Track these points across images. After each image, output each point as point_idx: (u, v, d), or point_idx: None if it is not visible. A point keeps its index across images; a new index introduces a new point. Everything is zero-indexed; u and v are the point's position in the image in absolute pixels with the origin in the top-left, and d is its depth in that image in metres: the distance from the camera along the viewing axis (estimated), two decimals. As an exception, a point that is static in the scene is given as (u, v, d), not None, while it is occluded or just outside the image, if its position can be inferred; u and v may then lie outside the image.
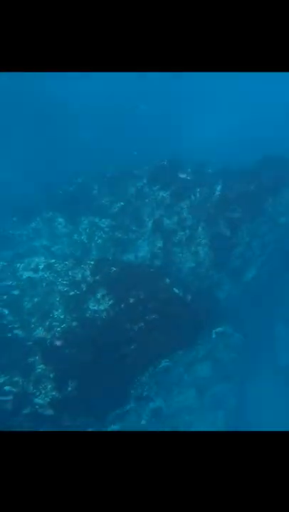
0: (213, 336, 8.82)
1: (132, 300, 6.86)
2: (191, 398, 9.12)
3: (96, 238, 8.64)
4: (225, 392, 9.81)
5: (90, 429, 7.58)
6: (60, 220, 8.69)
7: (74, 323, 7.13)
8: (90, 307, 7.12)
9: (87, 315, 7.03)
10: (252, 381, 11.09)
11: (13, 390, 6.82)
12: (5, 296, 7.18)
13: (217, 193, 9.34)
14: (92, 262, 7.45)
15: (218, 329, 8.78)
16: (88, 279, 7.25)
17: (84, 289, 7.18)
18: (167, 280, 7.51)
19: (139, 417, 8.21)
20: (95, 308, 7.12)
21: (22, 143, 10.88)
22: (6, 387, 6.91)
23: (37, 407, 6.82)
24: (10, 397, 6.88)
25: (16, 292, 7.27)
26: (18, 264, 7.40)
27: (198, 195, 9.10)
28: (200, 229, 8.90)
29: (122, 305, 6.83)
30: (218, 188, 9.38)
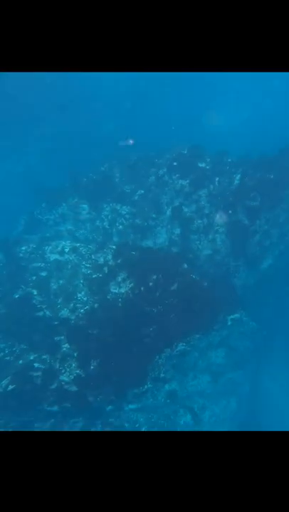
0: (229, 322, 8.98)
1: (151, 284, 7.10)
2: (205, 383, 9.32)
3: (117, 224, 8.90)
4: (238, 379, 9.97)
5: (109, 407, 7.97)
6: (84, 206, 8.98)
7: (96, 305, 7.45)
8: (112, 290, 7.42)
9: (109, 297, 7.32)
10: (265, 370, 11.20)
11: (42, 366, 7.25)
12: (34, 277, 7.57)
13: (236, 181, 9.38)
14: (113, 247, 7.73)
15: (234, 316, 8.92)
16: (110, 262, 7.53)
17: (106, 271, 7.47)
18: (185, 265, 7.69)
19: (155, 398, 8.53)
20: (116, 291, 7.41)
21: (50, 135, 11.20)
22: (36, 364, 7.35)
23: (63, 383, 7.20)
24: (39, 373, 7.31)
25: (43, 274, 7.64)
26: (46, 247, 7.75)
27: (216, 184, 9.18)
28: (218, 217, 9.01)
29: (142, 288, 7.09)
30: (237, 177, 9.41)
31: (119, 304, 7.27)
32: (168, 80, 12.05)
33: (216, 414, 9.34)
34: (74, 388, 7.18)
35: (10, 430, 6.66)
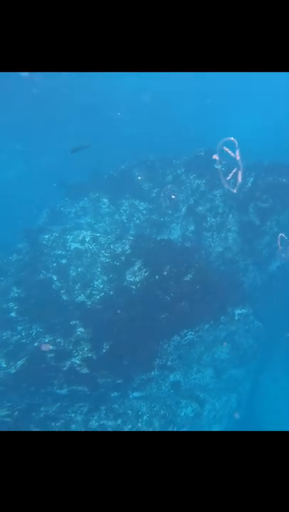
0: (236, 317, 8.93)
1: (165, 273, 7.12)
2: (208, 377, 9.23)
3: (134, 219, 8.97)
4: (240, 377, 9.86)
5: (114, 394, 7.96)
6: (105, 200, 9.09)
7: (111, 292, 7.50)
8: (127, 278, 7.46)
9: (124, 284, 7.37)
10: (266, 371, 11.03)
11: (55, 348, 7.30)
12: (54, 264, 7.67)
13: (249, 184, 9.39)
14: (131, 238, 7.79)
15: (242, 311, 8.87)
16: (127, 252, 7.59)
17: (123, 260, 7.53)
18: (198, 259, 7.71)
19: (159, 388, 8.49)
20: (132, 279, 7.45)
21: (74, 135, 11.41)
22: (51, 347, 7.40)
23: (74, 365, 7.24)
24: (52, 354, 7.37)
25: (64, 261, 7.74)
26: (67, 236, 7.85)
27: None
28: (231, 216, 9.01)
29: (157, 277, 7.12)
30: (251, 180, 9.42)
31: (134, 291, 7.30)
32: (185, 85, 12.18)
33: (215, 409, 9.20)
34: (85, 370, 7.21)
35: (9, 430, 6.50)
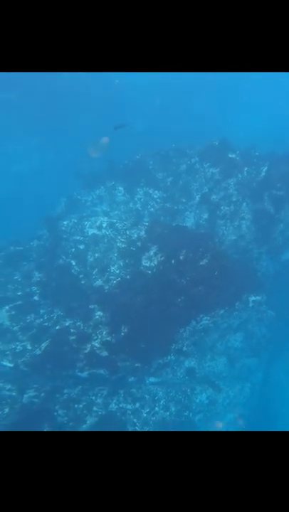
0: (250, 304, 8.94)
1: (181, 257, 7.19)
2: (222, 365, 9.28)
3: (149, 207, 9.05)
4: (253, 367, 9.86)
5: (132, 379, 8.07)
6: (120, 188, 9.19)
7: (128, 277, 7.60)
8: (143, 263, 7.55)
9: (141, 269, 7.46)
10: (279, 362, 11.00)
11: (76, 331, 7.44)
12: (73, 249, 7.80)
13: (263, 173, 9.37)
14: (147, 223, 7.87)
15: (256, 298, 8.87)
16: (143, 238, 7.68)
17: (139, 246, 7.62)
18: (215, 244, 7.74)
19: (174, 374, 8.57)
20: (147, 264, 7.54)
21: (91, 127, 11.54)
22: (72, 330, 7.54)
23: (94, 348, 7.36)
24: (74, 337, 7.50)
25: (81, 246, 7.86)
26: (85, 222, 7.98)
27: (245, 173, 9.19)
28: (244, 205, 9.02)
29: (173, 261, 7.18)
30: (264, 169, 9.41)
31: (150, 276, 7.39)
32: (200, 78, 12.17)
33: (229, 397, 9.25)
34: (105, 353, 7.34)
35: (8, 430, 6.48)
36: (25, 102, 11.70)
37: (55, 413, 7.01)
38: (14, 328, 7.41)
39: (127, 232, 7.78)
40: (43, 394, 7.04)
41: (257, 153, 9.80)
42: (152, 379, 8.32)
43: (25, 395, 6.89)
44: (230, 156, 9.30)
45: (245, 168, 9.21)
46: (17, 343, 7.27)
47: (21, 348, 7.25)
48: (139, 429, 7.49)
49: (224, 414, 9.10)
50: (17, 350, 7.23)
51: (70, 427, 7.04)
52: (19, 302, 7.58)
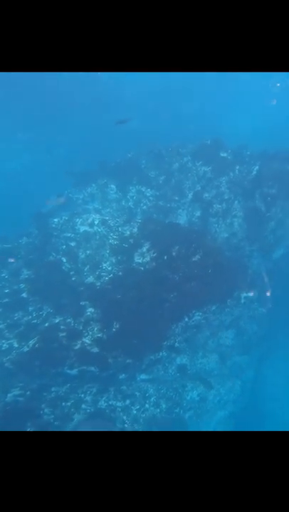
0: (242, 300, 8.96)
1: (174, 253, 7.16)
2: (213, 363, 9.27)
3: (141, 205, 9.02)
4: (244, 365, 9.88)
5: (122, 376, 8.00)
6: (112, 186, 9.14)
7: (120, 273, 7.54)
8: (136, 260, 7.50)
9: (133, 265, 7.41)
10: (269, 360, 11.04)
11: (66, 328, 7.34)
12: (64, 246, 7.72)
13: (254, 172, 9.43)
14: (139, 221, 7.83)
15: (247, 294, 8.91)
16: (135, 235, 7.63)
17: (132, 243, 7.57)
18: (206, 241, 7.73)
19: (166, 371, 8.53)
20: (140, 260, 7.49)
21: (83, 127, 11.49)
22: (62, 327, 7.44)
23: (85, 344, 7.28)
24: (64, 334, 7.40)
25: (73, 244, 7.78)
26: (77, 219, 7.90)
27: (237, 172, 9.23)
28: (236, 203, 9.05)
29: (165, 257, 7.15)
30: (256, 168, 9.47)
31: (142, 272, 7.34)
32: (193, 79, 12.22)
33: (220, 395, 9.24)
34: (96, 349, 7.25)
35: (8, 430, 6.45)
36: (16, 99, 11.61)
37: (41, 411, 6.87)
38: (0, 326, 7.28)
39: (120, 229, 7.73)
40: (28, 392, 6.89)
41: (248, 153, 9.86)
42: (143, 376, 8.27)
43: (9, 394, 6.74)
44: (222, 155, 9.34)
45: (237, 167, 9.25)
46: (3, 341, 7.13)
47: (7, 346, 7.11)
48: (128, 426, 7.41)
49: (214, 411, 9.09)
50: (2, 349, 7.08)
51: (56, 426, 6.91)
52: (6, 300, 7.46)
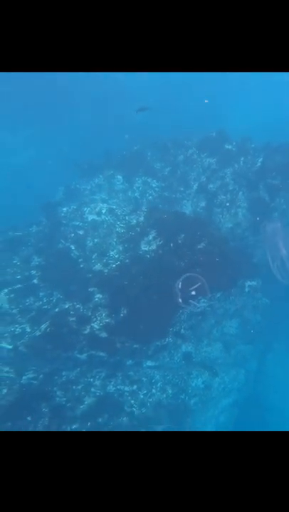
0: (246, 289, 9.10)
1: (180, 241, 7.33)
2: (218, 351, 9.42)
3: (147, 195, 9.18)
4: (247, 354, 10.01)
5: (129, 362, 8.16)
6: (119, 177, 9.32)
7: (127, 261, 7.72)
8: (142, 247, 7.68)
9: (140, 253, 7.58)
10: (272, 352, 11.15)
11: (75, 313, 7.51)
12: (72, 234, 7.90)
13: (258, 164, 9.57)
14: (145, 210, 8.01)
15: (252, 283, 9.05)
16: (142, 223, 7.81)
17: (138, 231, 7.74)
18: (210, 230, 7.89)
19: (171, 358, 8.68)
20: (146, 248, 7.66)
21: (90, 120, 11.65)
22: (71, 312, 7.62)
23: (94, 329, 7.45)
24: (74, 318, 7.54)
25: (81, 232, 7.96)
26: (85, 208, 8.09)
27: (241, 163, 9.38)
28: (240, 193, 9.20)
29: (171, 244, 7.32)
30: (260, 160, 9.61)
31: (148, 260, 7.51)
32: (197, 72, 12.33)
33: (225, 383, 9.39)
34: (104, 334, 7.43)
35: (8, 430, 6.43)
36: (22, 93, 11.79)
37: (54, 394, 7.08)
38: (13, 310, 7.47)
39: (126, 218, 7.91)
40: (41, 376, 7.09)
41: (253, 145, 10.00)
42: (149, 362, 8.43)
43: (23, 377, 6.94)
44: (226, 147, 9.49)
45: (242, 159, 9.39)
46: (16, 326, 7.33)
47: (20, 330, 7.31)
48: (136, 410, 7.59)
49: (219, 399, 9.22)
50: (16, 333, 7.28)
51: (68, 407, 7.12)
52: (18, 285, 7.65)
